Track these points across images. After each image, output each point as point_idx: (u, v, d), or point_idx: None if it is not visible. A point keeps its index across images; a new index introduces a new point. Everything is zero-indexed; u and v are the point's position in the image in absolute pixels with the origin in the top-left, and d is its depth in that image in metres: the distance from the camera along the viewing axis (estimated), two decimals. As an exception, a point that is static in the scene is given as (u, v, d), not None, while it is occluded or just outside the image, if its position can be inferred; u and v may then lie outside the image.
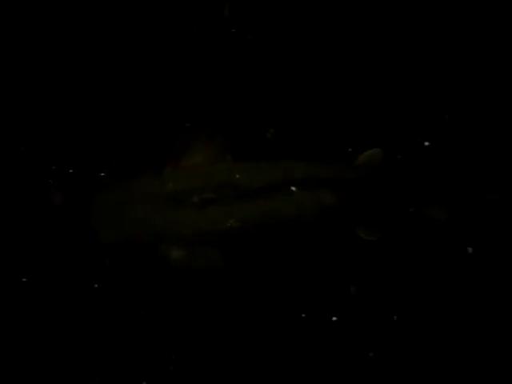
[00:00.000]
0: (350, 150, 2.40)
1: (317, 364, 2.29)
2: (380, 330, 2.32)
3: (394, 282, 2.35)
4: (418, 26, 2.51)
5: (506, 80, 2.46)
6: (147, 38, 2.51)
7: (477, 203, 2.30)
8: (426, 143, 2.41)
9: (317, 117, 2.46)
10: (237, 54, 2.49)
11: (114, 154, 2.42)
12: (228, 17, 2.48)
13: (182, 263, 2.19)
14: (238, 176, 2.18)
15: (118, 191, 2.25)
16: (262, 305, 2.32)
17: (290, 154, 2.34)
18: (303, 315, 2.31)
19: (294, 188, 2.18)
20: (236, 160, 2.29)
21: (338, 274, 2.35)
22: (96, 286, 2.31)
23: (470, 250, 2.36)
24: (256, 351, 2.29)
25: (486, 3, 2.49)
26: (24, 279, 2.32)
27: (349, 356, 2.30)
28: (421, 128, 2.44)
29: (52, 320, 2.29)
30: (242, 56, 2.49)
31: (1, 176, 2.41)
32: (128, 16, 2.52)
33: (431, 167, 2.32)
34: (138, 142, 2.43)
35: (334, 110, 2.46)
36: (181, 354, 2.28)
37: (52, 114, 2.46)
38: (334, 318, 2.32)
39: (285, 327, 2.31)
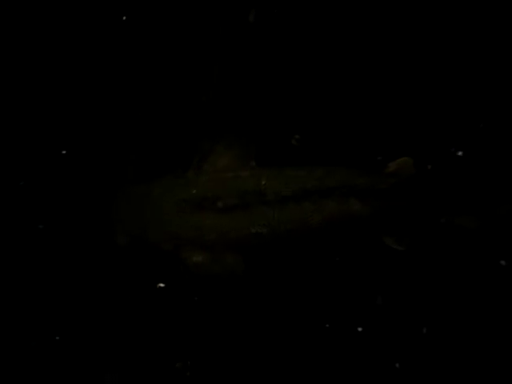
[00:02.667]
0: (379, 158, 2.36)
1: (341, 375, 2.26)
2: (407, 342, 2.28)
3: (422, 293, 2.30)
4: (450, 36, 2.46)
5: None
6: (170, 41, 2.50)
7: (509, 214, 2.23)
8: (460, 153, 2.36)
9: (345, 123, 2.42)
10: (264, 58, 2.47)
11: (136, 157, 2.43)
12: (253, 22, 2.47)
13: (202, 268, 2.18)
14: (264, 182, 2.17)
15: (139, 194, 2.25)
16: (285, 314, 2.30)
17: (315, 160, 2.31)
18: (327, 325, 2.29)
19: (322, 197, 2.15)
20: (260, 165, 2.27)
21: (365, 284, 2.31)
22: (112, 287, 2.32)
23: (503, 262, 2.29)
24: (277, 361, 2.27)
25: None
26: (39, 277, 2.35)
27: (374, 367, 2.26)
28: (453, 137, 2.38)
29: (67, 321, 2.32)
30: (269, 60, 2.46)
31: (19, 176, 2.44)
32: (151, 21, 2.52)
33: (462, 177, 2.26)
34: (160, 145, 2.43)
35: (363, 116, 2.42)
36: (196, 360, 2.28)
37: (75, 115, 2.47)
38: (360, 329, 2.29)
39: (308, 337, 2.29)
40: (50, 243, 2.37)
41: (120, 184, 2.35)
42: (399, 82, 2.42)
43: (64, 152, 2.43)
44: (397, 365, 2.26)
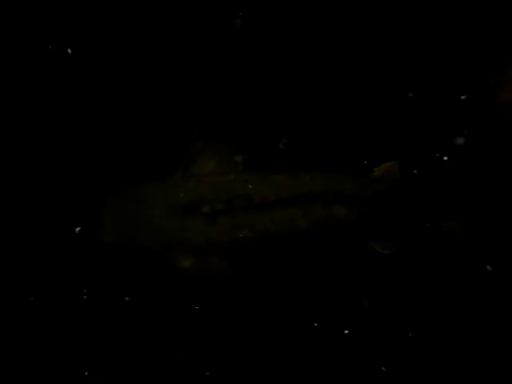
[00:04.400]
0: (365, 162, 2.38)
1: (328, 376, 2.29)
2: (393, 345, 2.31)
3: (408, 296, 2.32)
4: (438, 36, 2.47)
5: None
6: (157, 45, 2.50)
7: (495, 219, 2.25)
8: (445, 158, 2.37)
9: (331, 128, 2.43)
10: (251, 62, 2.48)
11: (125, 160, 2.44)
12: (240, 28, 2.49)
13: (190, 271, 2.21)
14: (250, 187, 2.20)
15: (128, 198, 2.27)
16: (273, 316, 2.32)
17: (302, 164, 2.33)
18: (315, 324, 2.32)
19: (308, 202, 2.18)
20: (247, 169, 2.29)
21: (352, 287, 2.34)
22: (98, 288, 2.35)
23: (488, 267, 2.31)
24: (265, 361, 2.30)
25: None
26: (26, 278, 2.36)
27: (360, 369, 2.29)
28: (439, 142, 2.40)
29: (53, 323, 2.34)
30: (256, 65, 2.48)
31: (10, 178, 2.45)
32: (139, 27, 2.53)
33: (448, 182, 2.28)
34: (148, 148, 2.44)
35: (350, 121, 2.43)
36: (185, 364, 2.31)
37: (63, 118, 2.47)
38: (346, 331, 2.32)
39: (295, 339, 2.31)
40: (37, 244, 2.39)
41: (109, 187, 2.36)
42: (386, 87, 2.44)
43: (52, 154, 2.45)
44: (383, 368, 2.29)
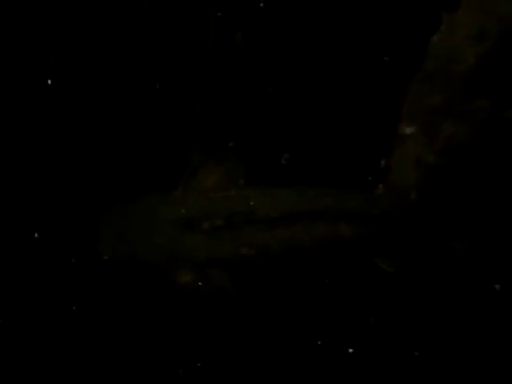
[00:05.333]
0: (369, 178, 2.34)
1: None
2: (399, 363, 2.26)
3: (414, 314, 2.27)
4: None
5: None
6: (157, 58, 2.49)
7: (504, 239, 2.19)
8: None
9: (335, 142, 2.39)
10: (255, 75, 2.45)
11: (124, 173, 2.43)
12: (241, 43, 2.46)
13: (190, 287, 2.19)
14: (252, 203, 2.18)
15: (128, 212, 2.27)
16: (275, 333, 2.29)
17: (305, 180, 2.29)
18: (319, 342, 2.29)
19: (312, 220, 2.13)
20: (248, 184, 2.26)
21: (357, 304, 2.30)
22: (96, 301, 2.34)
23: (497, 287, 2.25)
24: (266, 379, 2.28)
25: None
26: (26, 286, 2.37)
27: (365, 389, 2.26)
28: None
29: (50, 333, 2.34)
30: (260, 78, 2.44)
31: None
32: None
33: (457, 200, 2.22)
34: (149, 162, 2.43)
35: (354, 135, 2.38)
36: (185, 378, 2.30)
37: (61, 128, 2.47)
38: (351, 350, 2.28)
39: (298, 357, 2.28)
40: (34, 255, 2.39)
41: (109, 200, 2.36)
42: (389, 100, 2.39)
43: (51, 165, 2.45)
44: (388, 387, 2.25)
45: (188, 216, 2.18)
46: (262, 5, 2.47)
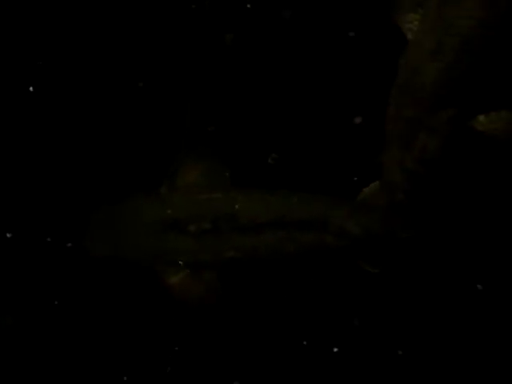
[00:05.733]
0: (355, 179, 2.34)
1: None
2: (382, 364, 2.30)
3: (398, 315, 2.31)
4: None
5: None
6: (145, 57, 2.49)
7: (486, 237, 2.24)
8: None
9: (321, 143, 2.40)
10: (242, 74, 2.45)
11: (110, 172, 2.42)
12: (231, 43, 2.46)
13: (177, 288, 2.20)
14: (237, 207, 2.18)
15: (114, 212, 2.27)
16: (262, 334, 2.32)
17: (291, 179, 2.32)
18: (304, 343, 2.32)
19: (297, 227, 2.14)
20: (234, 183, 2.26)
21: (342, 306, 2.33)
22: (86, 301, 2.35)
23: (479, 287, 2.29)
24: (253, 379, 2.31)
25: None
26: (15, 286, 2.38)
27: (349, 388, 2.30)
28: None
29: (42, 333, 2.36)
30: (247, 77, 2.45)
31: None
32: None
33: (436, 201, 2.24)
34: (134, 160, 2.42)
35: (340, 137, 2.40)
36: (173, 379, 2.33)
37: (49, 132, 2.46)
38: (336, 349, 2.32)
39: (284, 357, 2.31)
40: (23, 256, 2.39)
41: (95, 200, 2.36)
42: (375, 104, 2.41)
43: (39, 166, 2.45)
44: (372, 386, 2.29)
45: (174, 217, 2.17)
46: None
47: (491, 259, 2.28)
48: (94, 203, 2.33)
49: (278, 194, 2.21)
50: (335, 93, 2.41)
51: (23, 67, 2.48)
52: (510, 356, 2.25)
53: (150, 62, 2.47)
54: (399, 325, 2.31)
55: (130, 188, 2.35)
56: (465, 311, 2.29)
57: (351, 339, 2.31)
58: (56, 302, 2.36)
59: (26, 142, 2.45)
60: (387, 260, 2.23)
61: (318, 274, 2.31)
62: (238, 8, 2.45)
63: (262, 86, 2.43)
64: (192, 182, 2.25)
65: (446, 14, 2.00)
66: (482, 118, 2.08)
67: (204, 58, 2.46)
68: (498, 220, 2.27)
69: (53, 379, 2.34)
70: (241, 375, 2.31)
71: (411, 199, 2.15)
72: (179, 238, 2.17)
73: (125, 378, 2.32)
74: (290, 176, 2.36)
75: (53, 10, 2.49)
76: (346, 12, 2.43)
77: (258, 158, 2.39)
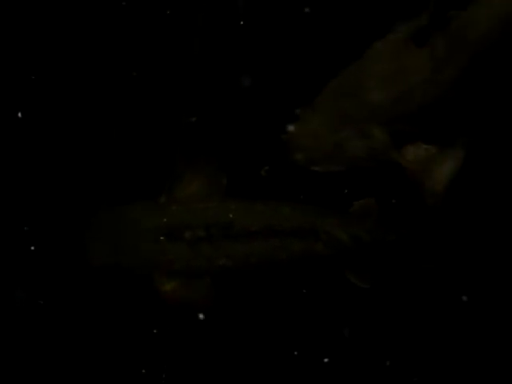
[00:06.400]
0: (346, 191, 2.41)
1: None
2: (371, 374, 2.34)
3: (387, 326, 2.36)
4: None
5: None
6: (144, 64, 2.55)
7: (470, 252, 2.31)
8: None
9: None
10: (237, 89, 2.52)
11: (110, 180, 2.48)
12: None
13: (172, 295, 2.25)
14: (231, 216, 2.25)
15: (113, 219, 2.32)
16: (253, 343, 2.36)
17: (283, 191, 2.38)
18: (295, 353, 2.35)
19: (288, 235, 2.22)
20: (229, 195, 2.32)
21: (332, 317, 2.37)
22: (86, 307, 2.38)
23: (464, 298, 2.36)
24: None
25: None
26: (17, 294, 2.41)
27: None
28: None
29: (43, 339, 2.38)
30: (243, 92, 2.51)
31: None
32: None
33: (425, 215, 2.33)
34: (132, 169, 2.48)
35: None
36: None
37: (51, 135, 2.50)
38: (326, 360, 2.35)
39: (275, 367, 2.35)
40: (22, 265, 2.43)
41: (94, 207, 2.40)
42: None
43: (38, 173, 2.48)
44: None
45: (170, 225, 2.24)
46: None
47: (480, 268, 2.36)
48: (93, 211, 2.38)
49: (271, 203, 2.29)
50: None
51: (26, 71, 2.52)
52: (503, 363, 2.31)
53: (151, 72, 2.54)
54: (389, 335, 2.36)
55: (128, 196, 2.40)
56: (452, 321, 2.35)
57: (341, 349, 2.35)
58: (54, 307, 2.40)
59: (28, 152, 2.50)
60: (377, 274, 2.30)
61: (309, 284, 2.37)
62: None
63: (254, 99, 2.51)
64: (190, 191, 2.32)
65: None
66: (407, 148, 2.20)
67: (200, 66, 2.53)
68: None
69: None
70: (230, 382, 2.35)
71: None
72: (175, 245, 2.23)
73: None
74: (282, 187, 2.42)
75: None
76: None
77: (252, 170, 2.45)
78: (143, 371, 2.35)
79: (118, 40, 2.54)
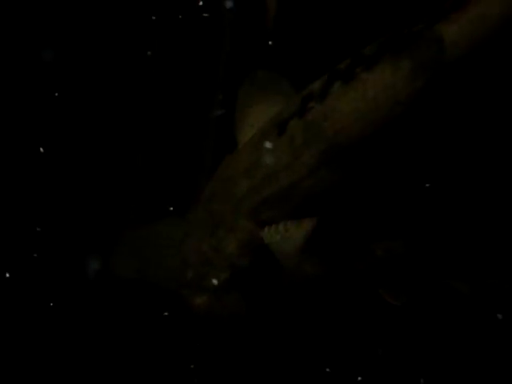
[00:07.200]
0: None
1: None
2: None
3: (421, 346, 2.35)
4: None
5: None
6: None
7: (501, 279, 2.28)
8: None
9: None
10: None
11: (138, 197, 2.52)
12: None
13: (203, 309, 2.25)
14: None
15: (142, 235, 2.35)
16: (285, 358, 2.37)
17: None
18: (327, 370, 2.36)
19: None
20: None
21: (366, 335, 2.37)
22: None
23: (499, 315, 2.33)
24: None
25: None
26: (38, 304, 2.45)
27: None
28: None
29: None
30: None
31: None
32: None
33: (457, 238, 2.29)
34: (161, 185, 2.52)
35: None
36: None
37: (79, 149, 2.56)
38: (359, 378, 2.35)
39: (309, 383, 2.36)
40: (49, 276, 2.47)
41: (123, 223, 2.45)
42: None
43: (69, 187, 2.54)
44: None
45: None
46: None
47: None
48: (121, 226, 2.42)
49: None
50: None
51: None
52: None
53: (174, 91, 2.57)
54: (423, 353, 2.34)
55: (156, 212, 2.42)
56: (484, 344, 2.33)
57: (375, 368, 2.35)
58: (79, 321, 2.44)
59: (57, 166, 2.55)
60: (410, 290, 2.28)
61: (342, 301, 2.36)
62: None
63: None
64: None
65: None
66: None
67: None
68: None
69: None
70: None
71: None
72: None
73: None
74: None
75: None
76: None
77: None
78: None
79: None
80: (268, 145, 2.12)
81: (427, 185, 2.17)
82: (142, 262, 2.31)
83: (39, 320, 2.45)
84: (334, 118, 2.01)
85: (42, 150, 2.56)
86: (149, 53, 2.60)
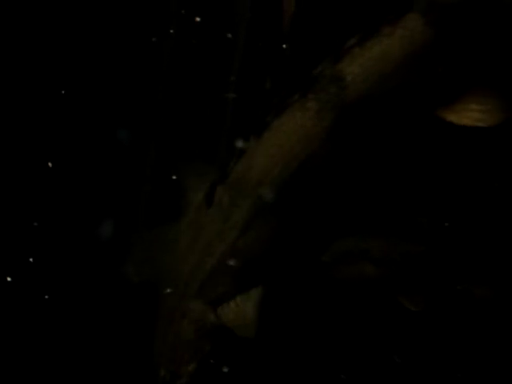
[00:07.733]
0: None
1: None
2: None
3: (439, 354, 2.31)
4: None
5: None
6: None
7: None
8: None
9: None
10: None
11: (151, 199, 2.49)
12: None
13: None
14: None
15: (154, 238, 2.31)
16: (300, 368, 2.33)
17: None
18: (342, 376, 2.32)
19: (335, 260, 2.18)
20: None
21: (382, 342, 2.33)
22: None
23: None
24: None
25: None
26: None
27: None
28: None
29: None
30: None
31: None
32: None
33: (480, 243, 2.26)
34: (172, 188, 2.45)
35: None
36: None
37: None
38: (376, 386, 2.31)
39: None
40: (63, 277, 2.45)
41: (135, 227, 2.43)
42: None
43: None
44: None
45: None
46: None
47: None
48: (136, 229, 2.40)
49: None
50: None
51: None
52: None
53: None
54: (442, 361, 2.31)
55: (171, 215, 2.38)
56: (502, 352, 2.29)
57: (391, 376, 2.31)
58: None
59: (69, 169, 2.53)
60: (429, 295, 2.24)
61: (360, 308, 2.32)
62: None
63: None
64: None
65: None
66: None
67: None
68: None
69: None
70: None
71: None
72: None
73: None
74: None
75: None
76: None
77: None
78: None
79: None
80: (201, 218, 2.14)
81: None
82: (158, 266, 2.26)
83: (39, 320, 2.44)
84: (255, 171, 2.01)
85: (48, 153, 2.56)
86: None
